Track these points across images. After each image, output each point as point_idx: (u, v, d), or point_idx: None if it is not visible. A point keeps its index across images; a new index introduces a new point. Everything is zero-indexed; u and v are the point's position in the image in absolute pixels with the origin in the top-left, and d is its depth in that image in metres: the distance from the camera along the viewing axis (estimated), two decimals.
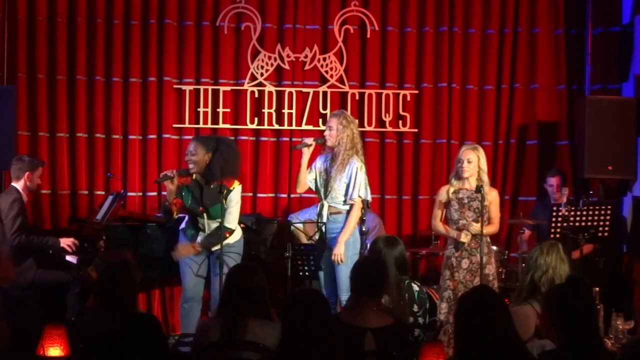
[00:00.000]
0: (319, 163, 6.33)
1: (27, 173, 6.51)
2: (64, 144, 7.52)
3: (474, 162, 6.11)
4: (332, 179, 6.14)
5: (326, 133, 6.23)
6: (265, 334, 3.83)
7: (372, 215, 6.93)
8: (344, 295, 5.87)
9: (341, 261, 6.02)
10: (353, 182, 6.09)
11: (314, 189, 6.37)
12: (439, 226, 6.28)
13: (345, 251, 6.06)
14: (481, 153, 6.18)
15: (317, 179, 6.29)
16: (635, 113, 7.40)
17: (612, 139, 7.34)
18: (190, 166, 6.06)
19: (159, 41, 7.61)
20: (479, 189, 5.93)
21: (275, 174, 7.73)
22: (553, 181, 7.32)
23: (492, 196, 6.16)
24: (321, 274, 6.21)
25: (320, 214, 6.20)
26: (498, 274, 6.45)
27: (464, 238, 6.08)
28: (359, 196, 6.09)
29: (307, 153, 6.28)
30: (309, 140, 6.32)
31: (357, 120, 6.54)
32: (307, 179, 6.33)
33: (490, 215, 6.14)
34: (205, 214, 6.04)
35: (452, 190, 6.17)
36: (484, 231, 5.97)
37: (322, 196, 6.24)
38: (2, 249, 5.21)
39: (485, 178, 6.14)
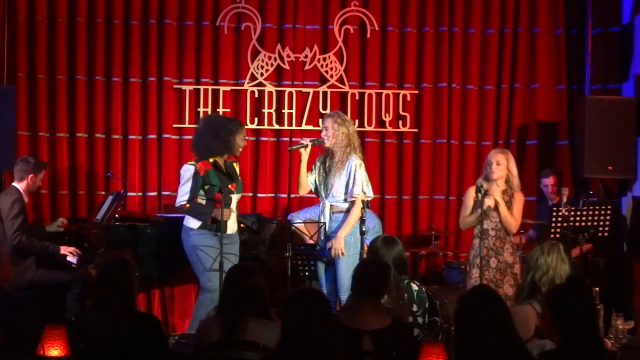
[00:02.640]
0: (318, 163, 6.33)
1: (30, 175, 6.51)
2: (64, 144, 7.52)
3: (502, 164, 6.23)
4: (332, 178, 6.15)
5: (323, 134, 6.24)
6: (265, 334, 3.83)
7: (372, 215, 6.92)
8: (344, 295, 5.86)
9: (342, 254, 6.01)
10: (352, 179, 6.08)
11: (313, 189, 6.37)
12: (469, 217, 6.28)
13: (346, 250, 6.05)
14: (510, 157, 6.32)
15: (317, 179, 6.30)
16: (635, 113, 7.40)
17: (612, 139, 7.33)
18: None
19: (159, 41, 7.60)
20: (478, 189, 5.98)
21: (275, 174, 7.73)
22: (547, 181, 7.33)
23: (516, 198, 6.28)
24: (321, 273, 6.20)
25: (322, 214, 6.20)
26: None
27: (488, 201, 6.15)
28: (363, 192, 6.09)
29: (305, 154, 6.27)
30: (305, 141, 6.32)
31: (352, 120, 6.55)
32: (308, 180, 6.33)
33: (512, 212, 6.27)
34: (235, 189, 6.18)
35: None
36: (502, 215, 6.14)
37: (323, 196, 6.23)
38: (2, 250, 5.21)
39: (516, 182, 6.28)
